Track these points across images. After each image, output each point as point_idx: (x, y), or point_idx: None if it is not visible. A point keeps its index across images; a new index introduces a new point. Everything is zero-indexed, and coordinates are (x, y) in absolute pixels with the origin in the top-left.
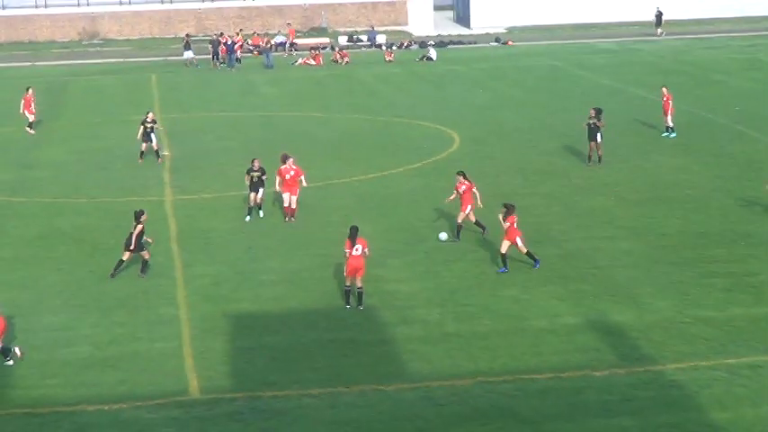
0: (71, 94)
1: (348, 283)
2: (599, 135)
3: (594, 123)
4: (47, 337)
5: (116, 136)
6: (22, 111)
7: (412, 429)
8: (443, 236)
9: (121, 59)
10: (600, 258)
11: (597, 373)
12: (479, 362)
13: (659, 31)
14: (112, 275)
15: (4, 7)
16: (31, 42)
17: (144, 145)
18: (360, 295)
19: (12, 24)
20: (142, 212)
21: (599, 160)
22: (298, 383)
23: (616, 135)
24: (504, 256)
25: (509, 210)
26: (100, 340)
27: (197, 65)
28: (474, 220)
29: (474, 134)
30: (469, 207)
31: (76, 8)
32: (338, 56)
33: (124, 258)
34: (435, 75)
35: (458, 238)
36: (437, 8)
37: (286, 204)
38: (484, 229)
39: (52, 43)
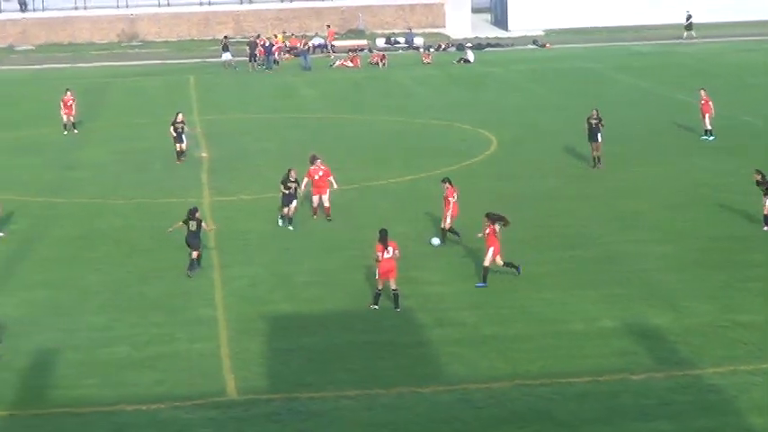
0: (110, 95)
1: (380, 287)
2: (599, 135)
3: (596, 123)
4: (86, 336)
5: (155, 137)
6: (62, 113)
7: None
8: (435, 241)
9: (160, 61)
10: (637, 261)
11: (635, 377)
12: (516, 364)
13: (686, 34)
14: (189, 275)
15: (44, 9)
16: (70, 44)
17: (178, 146)
18: (396, 297)
19: (52, 26)
20: (196, 210)
21: (599, 161)
22: (334, 385)
23: (655, 137)
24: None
25: (491, 219)
26: (138, 340)
27: (235, 66)
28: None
29: (511, 136)
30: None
31: (116, 10)
32: (376, 58)
33: (194, 257)
34: (473, 77)
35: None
36: (475, 10)
37: (315, 206)
38: (458, 234)
39: (92, 45)
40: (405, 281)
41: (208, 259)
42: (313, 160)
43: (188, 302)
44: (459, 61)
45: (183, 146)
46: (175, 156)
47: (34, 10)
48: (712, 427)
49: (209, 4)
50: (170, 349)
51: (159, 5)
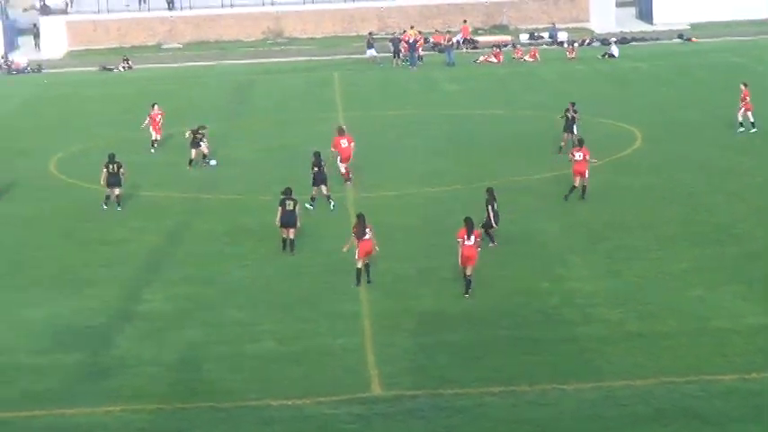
0: (256, 92)
1: (467, 273)
2: (575, 127)
3: (572, 116)
4: (232, 332)
5: (300, 134)
6: (146, 125)
7: (593, 429)
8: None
9: (305, 58)
10: None
11: None
12: (662, 362)
13: None
14: (293, 254)
15: (191, 7)
16: (217, 42)
17: (194, 152)
18: (468, 283)
19: (199, 24)
20: (290, 190)
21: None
22: (478, 381)
23: None
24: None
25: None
26: (283, 336)
27: (380, 63)
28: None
29: (656, 132)
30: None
31: (261, 7)
32: (520, 52)
33: (291, 236)
34: (617, 72)
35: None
36: (619, 4)
37: (344, 172)
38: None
39: (238, 42)
40: (550, 277)
41: (352, 255)
42: (340, 132)
43: (333, 298)
44: (603, 56)
45: (200, 151)
46: (188, 162)
47: (182, 8)
48: None
49: (354, 0)
50: (315, 344)
51: (304, 3)
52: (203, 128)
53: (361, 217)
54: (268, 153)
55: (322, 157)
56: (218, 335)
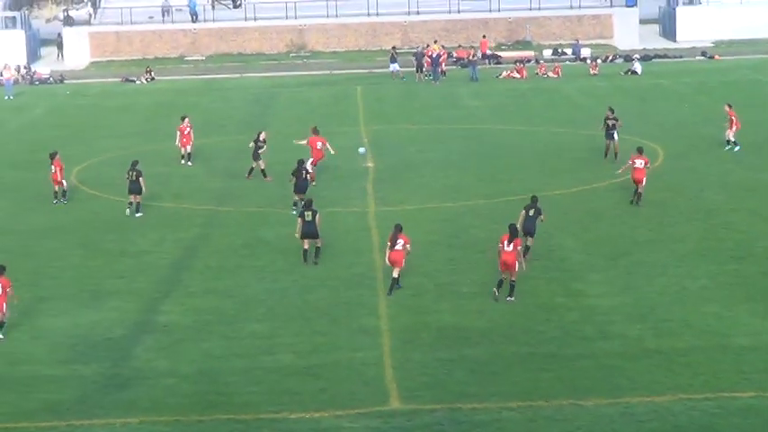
0: (278, 105)
1: (510, 278)
2: (615, 134)
3: (612, 123)
4: (250, 344)
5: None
6: (177, 143)
7: None
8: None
9: (328, 71)
10: None
11: None
12: (680, 378)
13: None
14: (317, 263)
15: (214, 20)
16: (240, 54)
17: (255, 164)
18: (511, 288)
19: (222, 36)
20: (311, 201)
21: (615, 157)
22: (497, 396)
23: None
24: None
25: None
26: (302, 349)
27: (403, 77)
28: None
29: (678, 148)
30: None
31: (284, 21)
32: (543, 68)
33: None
34: (640, 88)
35: None
36: (643, 21)
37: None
38: None
39: (260, 55)
40: (568, 293)
41: (371, 269)
42: (315, 132)
43: (351, 312)
44: (626, 73)
45: (259, 164)
46: (248, 172)
47: (205, 20)
48: None
49: (377, 15)
50: (333, 358)
51: (327, 16)
52: (260, 140)
53: (396, 227)
54: (287, 166)
55: (305, 165)
56: (236, 347)
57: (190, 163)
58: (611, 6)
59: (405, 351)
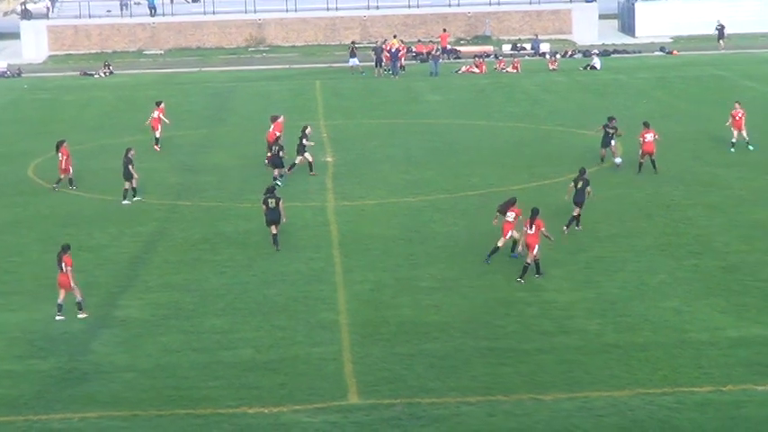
0: (237, 99)
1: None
2: (613, 142)
3: (611, 131)
4: (210, 339)
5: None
6: (149, 123)
7: None
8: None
9: (287, 66)
10: (764, 272)
11: (759, 388)
12: (638, 373)
13: (721, 43)
14: (278, 249)
15: (173, 14)
16: (199, 48)
17: (299, 158)
18: (537, 267)
19: (181, 31)
20: (274, 188)
21: (601, 160)
22: (456, 391)
23: None
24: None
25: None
26: (261, 344)
27: (362, 72)
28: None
29: (637, 144)
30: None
31: (243, 15)
32: (502, 63)
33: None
34: (599, 84)
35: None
36: (602, 17)
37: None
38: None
39: (219, 49)
40: (528, 287)
41: (330, 264)
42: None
43: (311, 306)
44: (585, 68)
45: (305, 157)
46: (308, 167)
47: (164, 15)
48: None
49: (337, 9)
50: (293, 353)
51: (287, 11)
52: (306, 133)
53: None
54: (246, 160)
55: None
56: (195, 342)
57: (158, 148)
58: (571, 2)
59: (364, 346)
